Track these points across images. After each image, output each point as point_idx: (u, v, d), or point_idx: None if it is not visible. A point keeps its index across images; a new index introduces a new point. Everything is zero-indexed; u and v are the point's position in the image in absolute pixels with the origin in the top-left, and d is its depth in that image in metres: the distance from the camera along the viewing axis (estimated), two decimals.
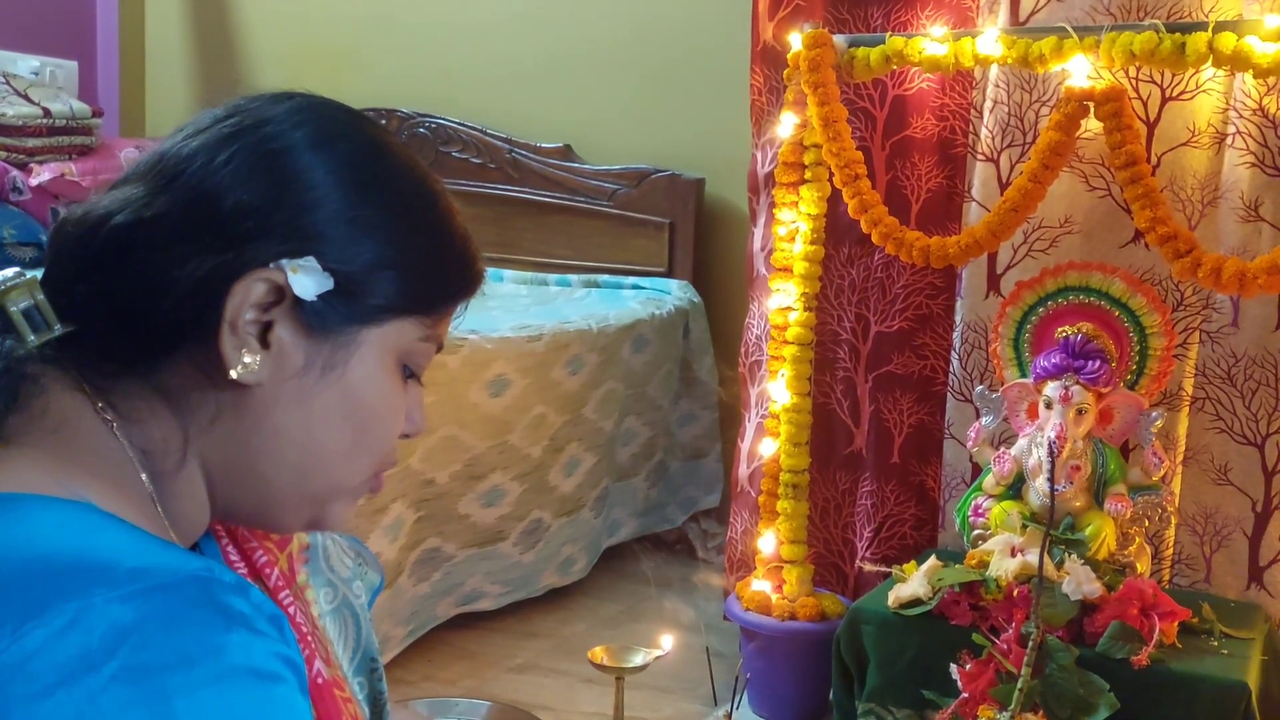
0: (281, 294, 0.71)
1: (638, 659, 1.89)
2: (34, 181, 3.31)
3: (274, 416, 0.73)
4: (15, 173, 3.32)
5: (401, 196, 0.77)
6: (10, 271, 0.71)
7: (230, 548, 0.83)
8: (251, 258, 0.70)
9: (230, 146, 0.72)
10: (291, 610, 0.82)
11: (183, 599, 0.58)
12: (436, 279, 0.78)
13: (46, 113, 3.40)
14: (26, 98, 3.43)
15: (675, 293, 3.27)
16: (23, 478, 0.65)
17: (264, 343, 0.72)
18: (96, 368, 0.71)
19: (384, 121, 3.68)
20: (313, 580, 0.88)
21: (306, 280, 0.71)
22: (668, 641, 1.99)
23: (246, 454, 0.74)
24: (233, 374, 0.71)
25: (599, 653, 1.89)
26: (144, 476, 0.71)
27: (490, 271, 3.44)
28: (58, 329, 0.70)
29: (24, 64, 3.78)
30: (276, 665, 0.60)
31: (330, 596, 0.88)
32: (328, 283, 0.72)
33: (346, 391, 0.75)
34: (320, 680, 0.81)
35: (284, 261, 0.71)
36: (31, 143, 3.37)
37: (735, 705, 1.97)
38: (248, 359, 0.71)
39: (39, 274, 0.73)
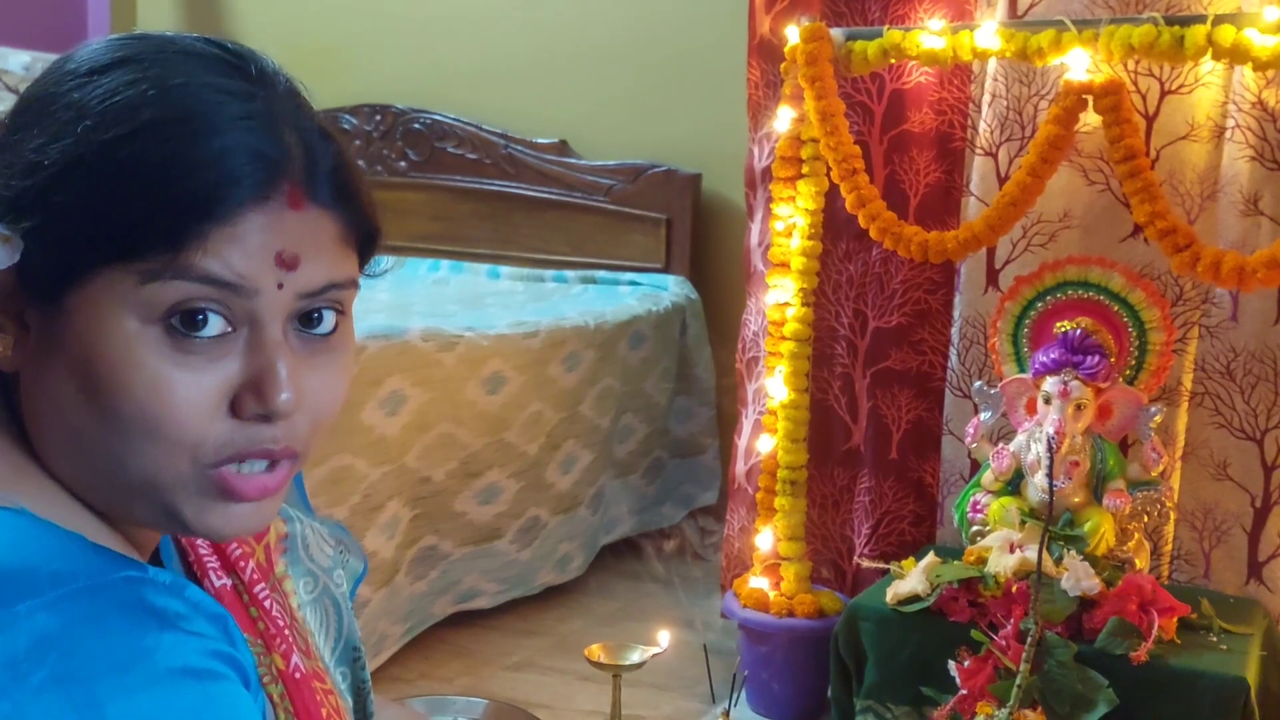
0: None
1: (635, 656, 1.88)
2: None
3: (40, 406, 0.66)
4: None
5: (41, 115, 0.65)
6: None
7: (202, 541, 0.80)
8: None
9: None
10: (268, 604, 0.80)
11: (110, 602, 0.57)
12: (108, 208, 0.62)
13: None
14: (17, 93, 3.41)
15: (672, 289, 3.26)
16: None
17: (22, 324, 0.65)
18: None
19: (379, 118, 3.67)
20: (292, 570, 0.86)
21: (3, 248, 0.62)
22: (665, 639, 1.98)
23: (61, 450, 0.66)
24: None
25: (596, 650, 1.88)
26: None
27: (486, 268, 3.49)
28: None
29: (15, 59, 3.76)
30: (212, 663, 0.58)
31: (310, 586, 0.87)
32: (19, 246, 0.63)
33: (73, 372, 0.63)
34: (298, 675, 0.79)
35: None
36: None
37: (733, 703, 1.96)
38: None
39: None
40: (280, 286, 0.65)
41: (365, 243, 0.72)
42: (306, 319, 0.68)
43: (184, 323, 0.63)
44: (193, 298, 0.62)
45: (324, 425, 0.70)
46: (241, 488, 0.66)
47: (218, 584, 0.79)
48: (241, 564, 0.81)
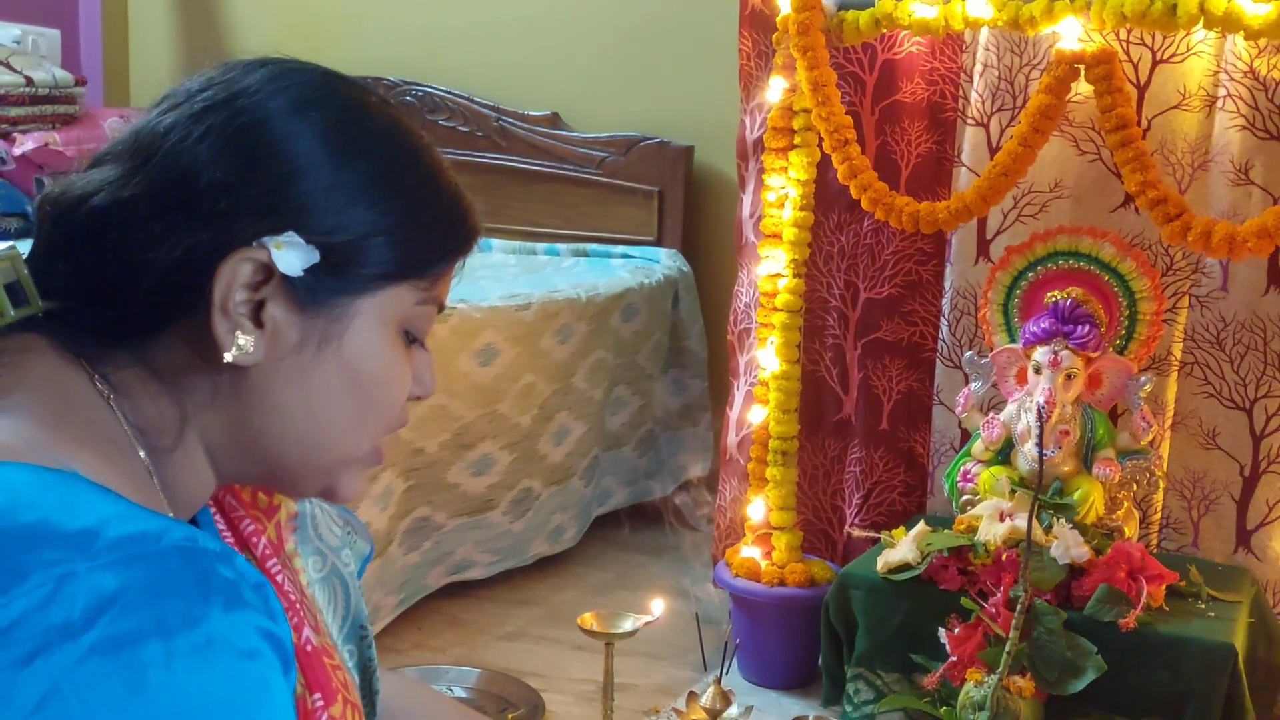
0: (269, 272, 0.70)
1: (627, 625, 1.89)
2: (17, 151, 3.28)
3: (273, 395, 0.73)
4: None
5: (383, 159, 0.74)
6: (1, 245, 0.71)
7: (218, 517, 0.82)
8: (232, 237, 0.69)
9: (204, 122, 0.71)
10: (280, 579, 0.81)
11: (165, 568, 0.58)
12: (427, 241, 0.76)
13: (29, 81, 3.36)
14: (9, 66, 3.39)
15: (664, 261, 3.26)
16: (5, 445, 0.64)
17: (257, 322, 0.71)
18: (88, 342, 0.70)
19: None
20: (301, 548, 0.87)
21: (291, 256, 0.70)
22: (658, 607, 1.99)
23: (248, 432, 0.74)
24: (227, 357, 0.70)
25: (589, 619, 1.89)
26: (141, 452, 0.70)
27: (479, 240, 3.49)
28: (41, 306, 0.70)
29: (6, 32, 3.73)
30: (255, 641, 0.59)
31: (319, 565, 0.88)
32: (313, 256, 0.71)
33: (345, 365, 0.74)
34: (310, 648, 0.80)
35: (266, 239, 0.70)
36: (14, 112, 3.34)
37: (725, 671, 1.97)
38: (242, 341, 0.70)
39: (23, 247, 0.72)
40: None
41: None
42: None
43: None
44: (431, 323, 0.80)
45: None
46: (382, 453, 0.81)
47: None
48: (254, 540, 0.83)
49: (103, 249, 0.70)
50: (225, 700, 0.57)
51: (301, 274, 0.71)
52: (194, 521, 0.78)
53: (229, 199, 0.70)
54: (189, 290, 0.69)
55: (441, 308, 0.80)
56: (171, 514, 0.71)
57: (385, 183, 0.74)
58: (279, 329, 0.71)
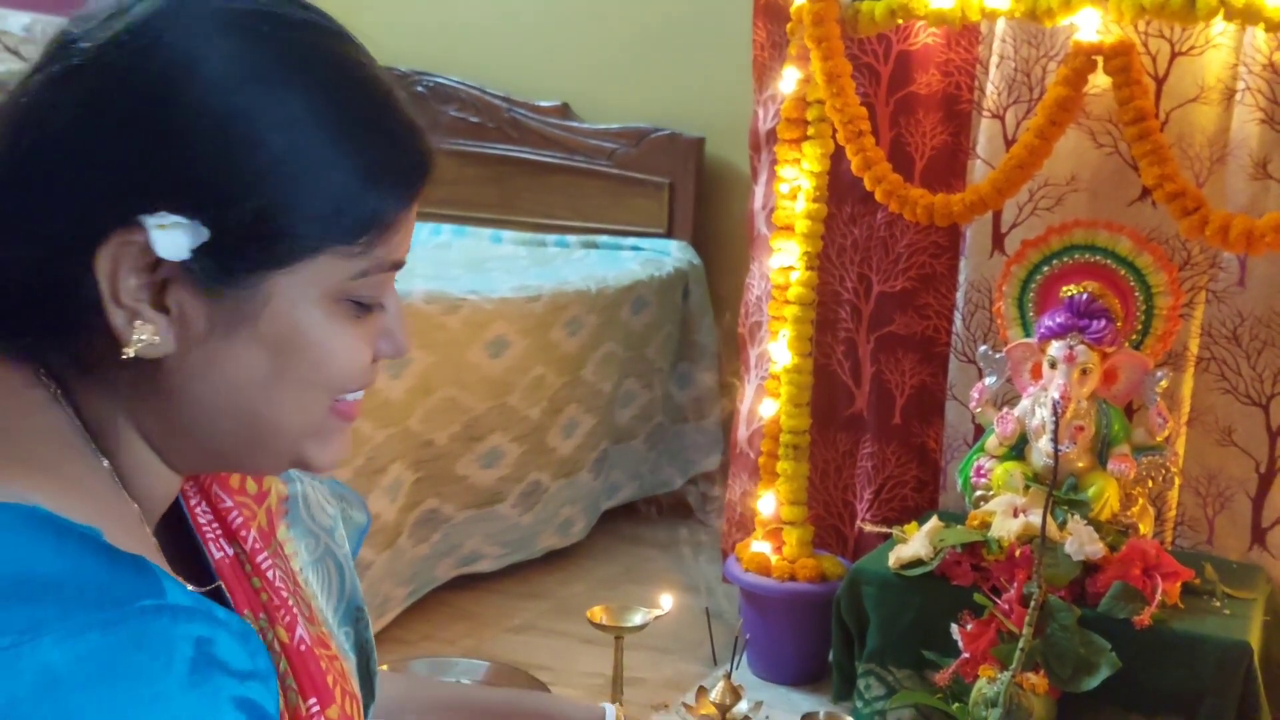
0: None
1: (637, 619, 1.88)
2: None
3: (192, 386, 0.65)
4: None
5: (281, 108, 0.62)
6: None
7: (200, 509, 0.78)
8: (101, 218, 0.60)
9: (70, 87, 0.61)
10: (271, 574, 0.78)
11: (121, 640, 0.53)
12: (343, 203, 0.64)
13: None
14: (17, 54, 3.38)
15: (675, 254, 3.24)
16: None
17: (162, 307, 0.63)
18: (18, 338, 0.65)
19: None
20: (293, 532, 0.84)
21: (173, 237, 0.60)
22: (667, 601, 1.98)
23: (180, 424, 0.67)
24: (129, 351, 0.62)
25: (598, 612, 1.88)
26: (98, 454, 0.65)
27: (489, 233, 3.47)
28: None
29: (15, 20, 3.73)
30: (227, 713, 0.55)
31: (312, 547, 0.85)
32: (201, 235, 0.61)
33: (267, 348, 0.65)
34: (303, 647, 0.77)
35: (142, 218, 0.60)
36: None
37: (734, 666, 1.96)
38: (143, 332, 0.62)
39: None
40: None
41: None
42: None
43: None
44: (387, 284, 0.69)
45: None
46: (349, 411, 0.72)
47: (218, 555, 0.76)
48: (243, 532, 0.78)
49: None
50: None
51: (190, 256, 0.61)
52: (172, 513, 0.74)
53: (93, 174, 0.61)
54: (68, 283, 0.62)
55: (395, 266, 0.69)
56: (140, 519, 0.67)
57: (283, 138, 0.62)
58: (185, 315, 0.63)
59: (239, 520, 0.78)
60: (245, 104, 0.61)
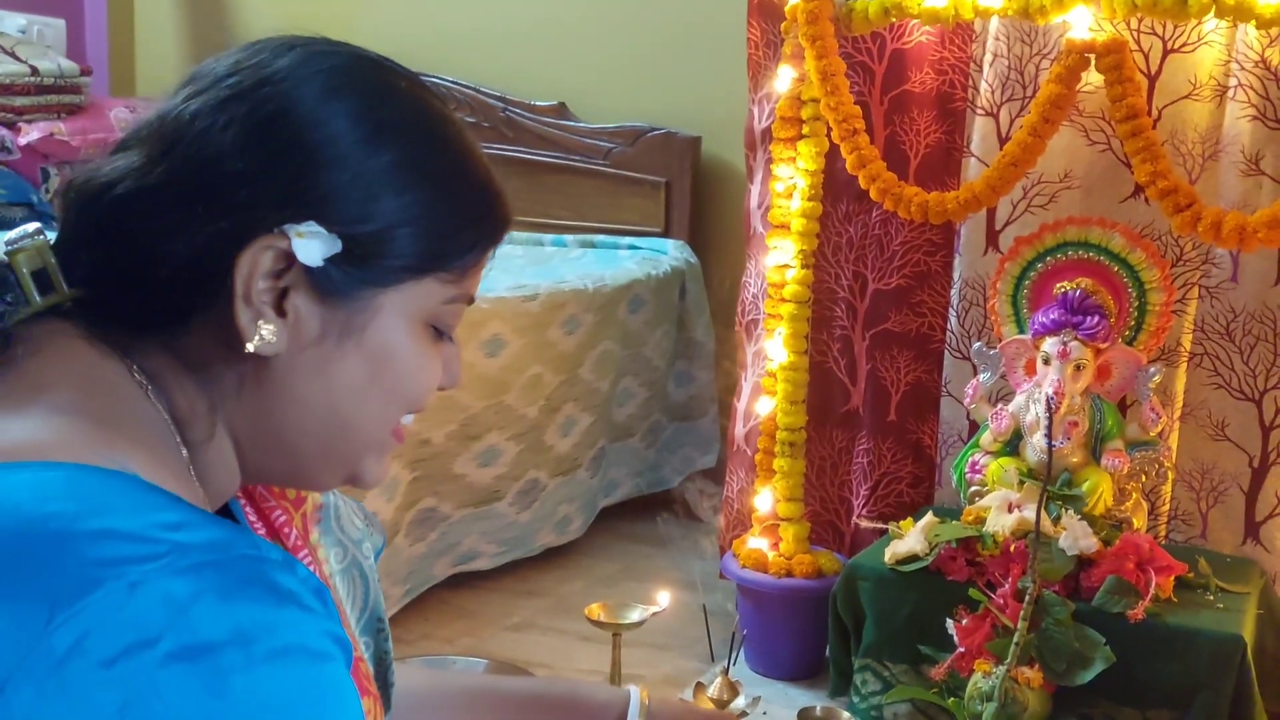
0: (291, 261, 0.69)
1: (635, 615, 1.89)
2: (22, 141, 3.28)
3: (295, 386, 0.72)
4: (4, 132, 3.28)
5: (410, 147, 0.73)
6: (31, 227, 0.70)
7: (248, 508, 0.82)
8: (253, 225, 0.68)
9: (230, 109, 0.70)
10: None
11: (235, 575, 0.58)
12: (453, 232, 0.74)
13: (34, 71, 3.36)
14: (14, 56, 3.39)
15: (671, 253, 3.25)
16: (62, 444, 0.63)
17: (280, 311, 0.70)
18: (118, 332, 0.70)
19: None
20: (324, 540, 0.87)
21: (312, 245, 0.69)
22: (665, 598, 1.99)
23: (272, 423, 0.73)
24: (250, 346, 0.69)
25: (596, 609, 1.89)
26: (183, 448, 0.70)
27: None
28: (68, 294, 0.70)
29: (11, 22, 3.73)
30: (326, 643, 0.59)
31: (340, 556, 0.88)
32: (335, 246, 0.69)
33: (368, 358, 0.73)
34: None
35: (287, 227, 0.68)
36: (20, 101, 3.33)
37: (732, 662, 1.97)
38: (264, 331, 0.69)
39: (53, 236, 0.72)
40: None
41: None
42: None
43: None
44: (459, 316, 0.78)
45: None
46: (402, 432, 0.79)
47: None
48: (285, 530, 0.83)
49: (125, 238, 0.69)
50: (306, 702, 0.57)
51: (322, 264, 0.69)
52: (226, 512, 0.78)
53: (251, 187, 0.69)
54: (211, 279, 0.69)
55: (470, 301, 0.78)
56: (210, 509, 0.71)
57: (411, 172, 0.72)
58: (300, 319, 0.70)
59: (281, 519, 0.83)
60: (378, 143, 0.72)
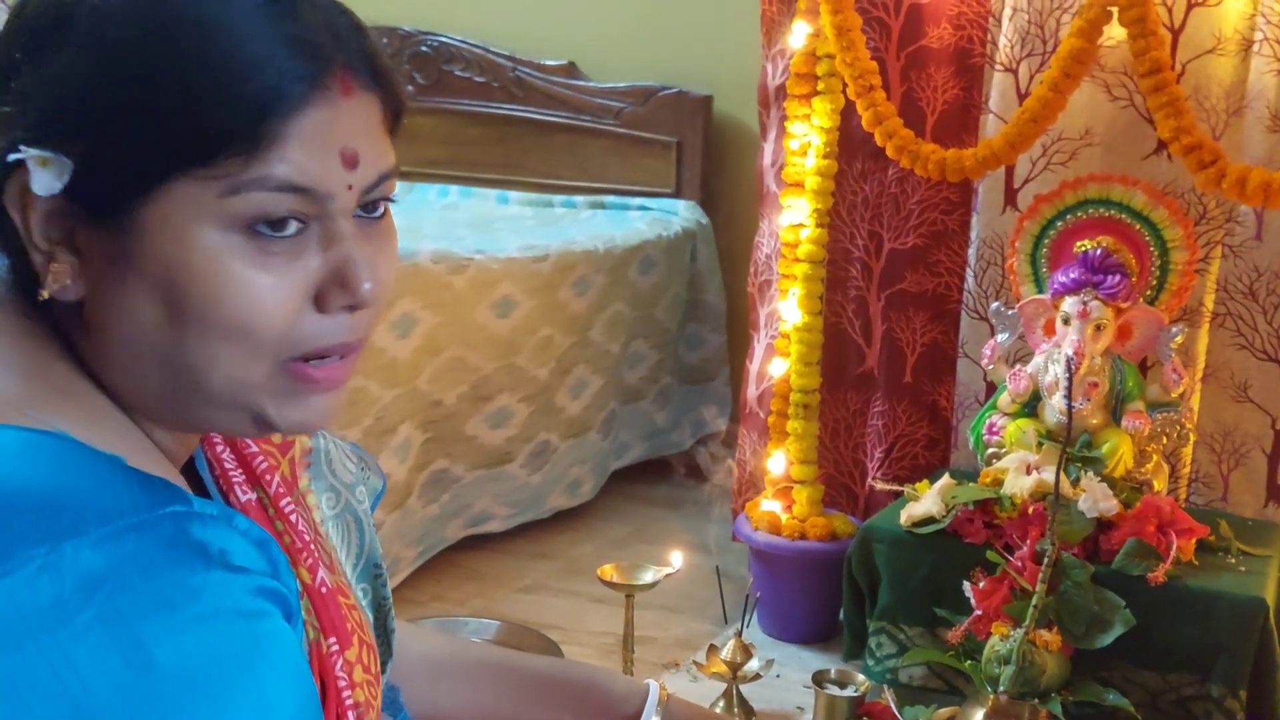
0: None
1: (648, 577, 1.88)
2: None
3: (116, 332, 0.64)
4: None
5: (100, 27, 0.62)
6: None
7: (226, 454, 0.79)
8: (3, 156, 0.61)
9: None
10: (294, 518, 0.79)
11: (156, 539, 0.56)
12: (171, 124, 0.61)
13: None
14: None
15: (683, 214, 3.22)
16: None
17: (75, 250, 0.63)
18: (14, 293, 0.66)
19: (385, 40, 3.60)
20: (314, 485, 0.85)
21: (46, 173, 0.61)
22: (677, 559, 1.98)
23: (130, 378, 0.66)
24: (44, 292, 0.63)
25: (609, 570, 1.88)
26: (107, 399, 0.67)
27: (495, 193, 3.45)
28: None
29: None
30: (258, 602, 0.58)
31: (332, 501, 0.86)
32: (65, 167, 0.61)
33: (153, 286, 0.63)
34: (324, 589, 0.78)
35: (26, 155, 0.60)
36: None
37: (745, 624, 1.96)
38: (55, 270, 0.63)
39: None
40: (350, 188, 0.65)
41: (395, 123, 0.71)
42: (364, 207, 0.69)
43: (267, 228, 0.63)
44: (273, 206, 0.63)
45: (382, 311, 0.71)
46: (316, 377, 0.67)
47: (243, 499, 0.78)
48: (267, 477, 0.80)
49: None
50: (236, 664, 0.56)
51: (61, 191, 0.61)
52: (190, 462, 0.75)
53: None
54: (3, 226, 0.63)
55: (296, 188, 0.63)
56: (167, 463, 0.68)
57: (113, 60, 0.61)
58: (91, 256, 0.63)
59: (264, 465, 0.80)
60: (59, 41, 0.62)
